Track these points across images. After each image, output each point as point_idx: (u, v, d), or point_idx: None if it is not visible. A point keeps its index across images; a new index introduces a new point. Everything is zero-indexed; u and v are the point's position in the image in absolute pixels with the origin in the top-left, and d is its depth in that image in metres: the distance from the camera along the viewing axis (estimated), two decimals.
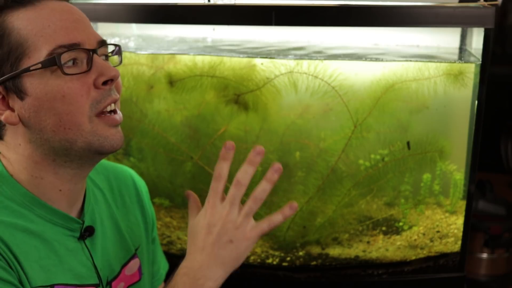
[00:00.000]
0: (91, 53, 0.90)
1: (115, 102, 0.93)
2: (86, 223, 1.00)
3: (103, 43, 0.94)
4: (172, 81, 1.48)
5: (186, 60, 1.47)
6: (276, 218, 0.93)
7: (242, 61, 1.43)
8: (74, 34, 0.89)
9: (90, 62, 0.90)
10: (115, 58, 1.00)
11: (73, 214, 0.99)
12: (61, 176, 0.94)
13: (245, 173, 0.94)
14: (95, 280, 0.98)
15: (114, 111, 0.94)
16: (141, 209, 1.18)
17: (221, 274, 0.92)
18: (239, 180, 0.94)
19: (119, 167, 1.19)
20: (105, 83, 0.91)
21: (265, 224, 0.94)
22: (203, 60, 1.45)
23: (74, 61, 0.89)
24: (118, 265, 1.06)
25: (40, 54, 0.87)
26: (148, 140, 1.55)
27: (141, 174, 1.55)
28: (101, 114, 0.91)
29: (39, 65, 0.87)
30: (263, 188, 0.93)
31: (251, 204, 0.94)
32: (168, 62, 1.50)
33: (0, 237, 0.86)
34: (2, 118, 0.90)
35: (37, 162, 0.93)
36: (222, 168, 0.95)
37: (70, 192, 0.97)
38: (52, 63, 0.87)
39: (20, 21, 0.88)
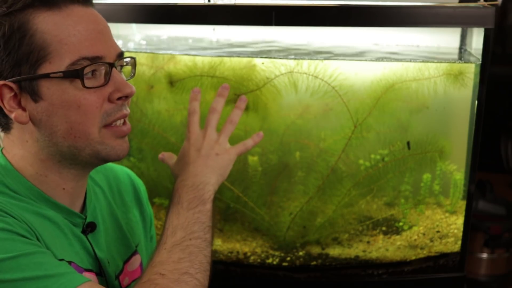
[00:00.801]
0: (110, 66, 0.91)
1: (125, 117, 0.96)
2: (88, 219, 1.01)
3: (121, 55, 0.95)
4: (172, 81, 1.48)
5: (186, 60, 1.47)
6: (248, 142, 1.19)
7: (242, 61, 1.43)
8: (97, 47, 0.90)
9: (108, 75, 0.91)
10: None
11: (76, 210, 1.00)
12: (64, 176, 0.96)
13: (218, 102, 1.18)
14: (96, 270, 0.99)
15: (124, 123, 0.97)
16: (140, 208, 1.19)
17: (214, 179, 1.08)
18: (214, 107, 1.17)
19: (117, 167, 1.20)
20: (119, 98, 0.93)
21: (241, 145, 1.17)
22: (203, 60, 1.45)
23: (93, 72, 0.90)
24: (121, 261, 1.08)
25: (62, 62, 0.87)
26: (148, 140, 1.55)
27: (141, 174, 1.56)
28: (109, 125, 0.93)
29: (61, 74, 0.87)
30: (236, 113, 1.18)
31: (228, 125, 1.17)
32: (168, 62, 1.50)
33: (20, 217, 0.87)
34: (12, 116, 0.90)
35: (43, 160, 0.93)
36: (195, 106, 1.18)
37: (73, 190, 0.98)
38: (74, 75, 0.87)
39: (45, 24, 0.87)
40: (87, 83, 0.89)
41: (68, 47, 0.87)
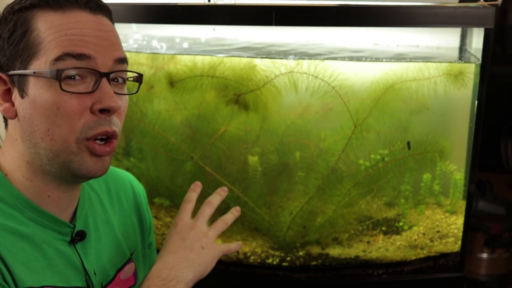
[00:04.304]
0: (100, 75, 0.88)
1: (107, 134, 0.91)
2: (78, 228, 0.99)
3: (121, 61, 0.91)
4: (173, 82, 1.48)
5: (186, 60, 1.47)
6: (232, 245, 1.13)
7: (242, 61, 1.43)
8: (88, 47, 0.87)
9: (96, 84, 0.88)
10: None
11: (65, 218, 0.98)
12: (48, 183, 0.94)
13: (215, 198, 1.15)
14: (83, 284, 0.98)
15: (108, 141, 0.92)
16: (138, 214, 1.17)
17: (191, 276, 1.00)
18: (210, 200, 1.14)
19: (117, 171, 1.19)
20: (102, 111, 0.89)
21: (226, 245, 1.11)
22: (203, 60, 1.45)
23: (82, 77, 0.88)
24: (113, 269, 1.06)
25: (48, 58, 0.86)
26: (148, 140, 1.55)
27: (141, 174, 1.56)
28: (90, 139, 0.90)
29: (42, 73, 0.86)
30: (231, 216, 1.14)
31: (220, 223, 1.12)
32: (168, 62, 1.50)
33: None
34: (1, 109, 0.91)
35: (28, 162, 0.92)
36: (192, 196, 1.14)
37: (59, 199, 0.96)
38: (53, 75, 0.86)
39: (43, 23, 0.87)
40: (69, 87, 0.87)
41: (56, 43, 0.86)
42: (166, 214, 1.62)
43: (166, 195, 1.61)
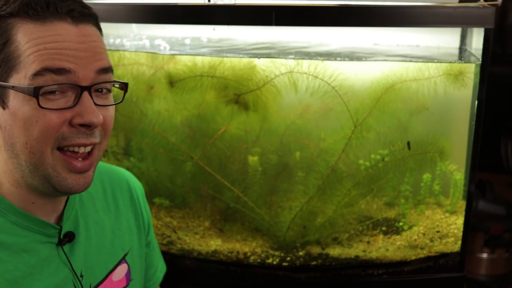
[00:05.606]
0: (81, 90, 0.86)
1: (84, 146, 0.89)
2: (67, 229, 0.98)
3: (105, 71, 0.89)
4: (172, 82, 1.48)
5: (186, 60, 1.47)
6: None
7: (242, 61, 1.43)
8: (68, 61, 0.85)
9: (77, 99, 0.87)
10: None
11: (52, 220, 0.97)
12: (32, 191, 0.93)
13: None
14: (71, 286, 0.97)
15: (88, 156, 0.90)
16: (135, 213, 1.16)
17: None
18: None
19: (114, 169, 1.17)
20: (82, 125, 0.87)
21: None
22: (203, 60, 1.45)
23: (63, 91, 0.86)
24: (104, 271, 1.05)
25: (27, 73, 0.85)
26: (148, 140, 1.55)
27: (141, 174, 1.56)
28: (64, 149, 0.88)
29: (20, 88, 0.85)
30: None
31: None
32: (168, 62, 1.50)
33: None
34: None
35: (11, 170, 0.91)
36: None
37: (43, 205, 0.95)
38: (30, 93, 0.84)
39: (22, 35, 0.86)
40: (48, 101, 0.85)
41: (35, 58, 0.84)
42: (166, 214, 1.62)
43: (166, 195, 1.61)
